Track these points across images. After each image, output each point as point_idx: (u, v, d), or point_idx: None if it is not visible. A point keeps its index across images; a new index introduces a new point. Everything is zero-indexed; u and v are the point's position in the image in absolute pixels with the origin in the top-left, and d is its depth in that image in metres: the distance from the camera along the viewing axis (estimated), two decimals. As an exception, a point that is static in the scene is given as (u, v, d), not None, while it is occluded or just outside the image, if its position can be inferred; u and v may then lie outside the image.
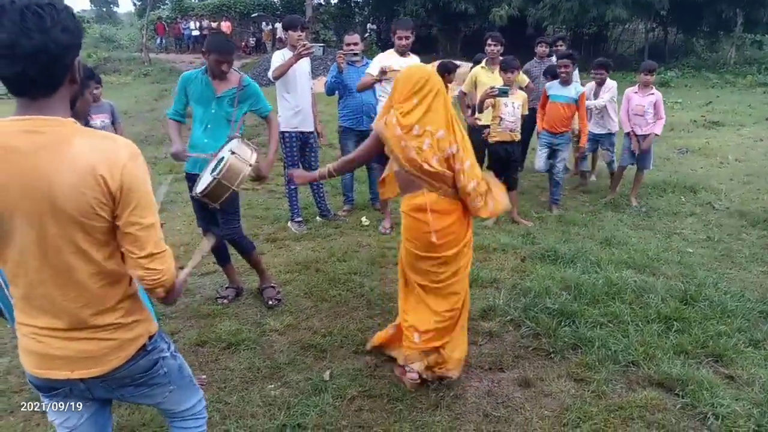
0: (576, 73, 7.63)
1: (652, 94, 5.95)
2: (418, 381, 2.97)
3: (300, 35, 5.04)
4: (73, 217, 1.42)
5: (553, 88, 5.73)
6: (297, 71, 5.05)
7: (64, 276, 1.49)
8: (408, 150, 2.69)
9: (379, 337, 3.29)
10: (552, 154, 5.85)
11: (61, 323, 1.52)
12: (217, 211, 3.60)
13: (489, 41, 5.90)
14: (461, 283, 2.91)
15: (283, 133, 5.10)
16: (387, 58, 5.11)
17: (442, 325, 2.89)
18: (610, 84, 6.42)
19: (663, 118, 5.99)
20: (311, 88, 5.42)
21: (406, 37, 5.05)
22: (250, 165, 3.36)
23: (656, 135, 5.98)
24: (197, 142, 3.69)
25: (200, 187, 3.37)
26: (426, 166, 2.69)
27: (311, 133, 5.35)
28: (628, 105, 6.05)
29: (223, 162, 3.29)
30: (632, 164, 6.19)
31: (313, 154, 5.42)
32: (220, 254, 3.99)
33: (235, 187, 3.31)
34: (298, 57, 4.76)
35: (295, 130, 5.20)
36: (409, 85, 2.74)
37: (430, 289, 2.89)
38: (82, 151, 1.40)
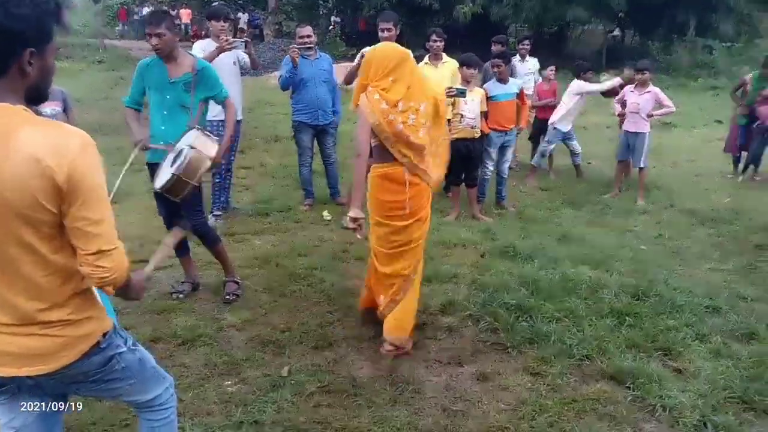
0: (535, 63, 7.82)
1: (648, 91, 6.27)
2: (393, 351, 3.16)
3: (223, 26, 4.94)
4: (16, 209, 1.36)
5: (494, 87, 5.81)
6: (218, 62, 4.76)
7: (9, 270, 1.42)
8: (395, 124, 2.89)
9: (363, 301, 3.51)
10: (501, 152, 5.98)
11: (7, 318, 1.46)
12: (179, 203, 3.51)
13: (432, 36, 5.73)
14: (411, 253, 3.13)
15: (211, 121, 4.80)
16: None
17: (394, 286, 3.15)
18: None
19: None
20: (239, 76, 5.31)
21: (388, 29, 4.99)
22: (210, 159, 3.30)
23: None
24: (156, 131, 3.59)
25: (160, 182, 3.30)
26: (412, 138, 2.92)
27: (238, 121, 5.14)
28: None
29: (183, 156, 3.22)
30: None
31: (236, 144, 5.45)
32: (179, 245, 3.88)
33: (195, 182, 3.26)
34: (220, 51, 4.66)
35: (216, 118, 4.91)
36: (383, 64, 2.92)
37: (381, 254, 3.15)
38: (29, 141, 1.34)
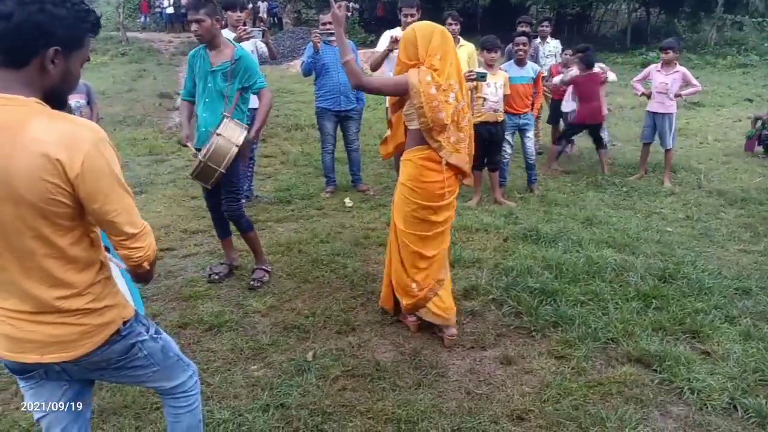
0: (557, 44, 7.67)
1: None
2: (418, 323, 3.27)
3: (239, 16, 4.93)
4: (31, 203, 1.38)
5: (511, 69, 5.70)
6: None
7: (27, 260, 1.45)
8: (438, 110, 2.87)
9: (386, 301, 3.44)
10: (521, 136, 5.88)
11: (28, 307, 1.49)
12: (218, 188, 3.60)
13: (448, 20, 5.63)
14: (446, 232, 3.22)
15: (252, 109, 4.90)
16: (395, 32, 5.07)
17: (434, 266, 3.17)
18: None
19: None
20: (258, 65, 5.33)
21: (411, 15, 4.95)
22: (237, 146, 3.35)
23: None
24: (200, 118, 3.69)
25: (191, 169, 3.41)
26: (461, 123, 2.97)
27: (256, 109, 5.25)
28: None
29: (209, 144, 3.30)
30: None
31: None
32: (221, 227, 3.95)
33: (222, 169, 3.33)
34: (238, 41, 4.63)
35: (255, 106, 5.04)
36: (427, 43, 2.89)
37: (420, 238, 3.13)
38: (39, 135, 1.35)
